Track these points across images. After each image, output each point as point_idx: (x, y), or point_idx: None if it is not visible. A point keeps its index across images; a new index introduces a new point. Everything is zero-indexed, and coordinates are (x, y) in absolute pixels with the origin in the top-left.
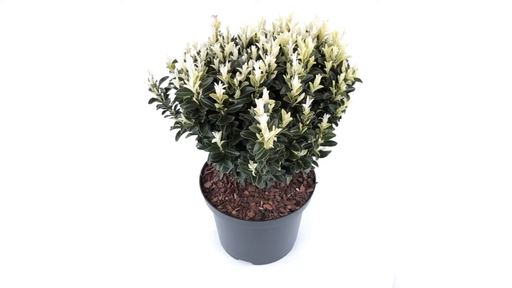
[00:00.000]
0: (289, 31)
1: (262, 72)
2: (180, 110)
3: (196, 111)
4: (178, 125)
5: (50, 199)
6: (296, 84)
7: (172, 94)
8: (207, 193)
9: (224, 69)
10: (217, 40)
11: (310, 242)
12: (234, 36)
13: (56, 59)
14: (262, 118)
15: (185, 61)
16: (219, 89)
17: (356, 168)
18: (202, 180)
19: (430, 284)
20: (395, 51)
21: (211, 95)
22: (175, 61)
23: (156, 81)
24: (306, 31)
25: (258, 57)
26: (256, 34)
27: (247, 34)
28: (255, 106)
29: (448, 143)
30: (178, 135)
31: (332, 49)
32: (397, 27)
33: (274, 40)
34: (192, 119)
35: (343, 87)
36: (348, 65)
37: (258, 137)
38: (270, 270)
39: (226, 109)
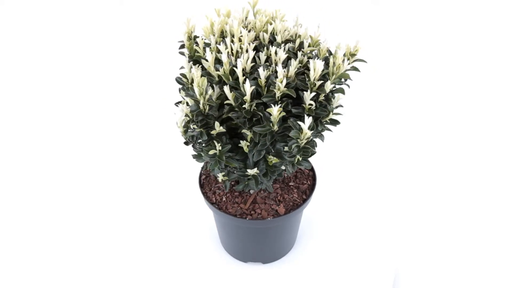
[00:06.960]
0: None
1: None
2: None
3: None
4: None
5: (49, 198)
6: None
7: None
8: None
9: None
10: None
11: (311, 239)
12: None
13: (57, 60)
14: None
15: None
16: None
17: (357, 165)
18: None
19: (431, 279)
20: (395, 52)
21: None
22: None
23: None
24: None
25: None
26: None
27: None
28: None
29: (447, 141)
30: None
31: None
32: (397, 28)
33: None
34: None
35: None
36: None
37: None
38: (270, 269)
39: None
